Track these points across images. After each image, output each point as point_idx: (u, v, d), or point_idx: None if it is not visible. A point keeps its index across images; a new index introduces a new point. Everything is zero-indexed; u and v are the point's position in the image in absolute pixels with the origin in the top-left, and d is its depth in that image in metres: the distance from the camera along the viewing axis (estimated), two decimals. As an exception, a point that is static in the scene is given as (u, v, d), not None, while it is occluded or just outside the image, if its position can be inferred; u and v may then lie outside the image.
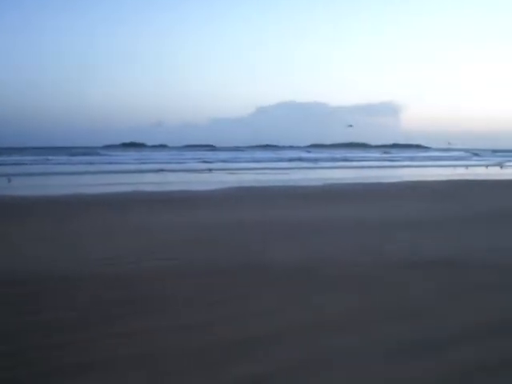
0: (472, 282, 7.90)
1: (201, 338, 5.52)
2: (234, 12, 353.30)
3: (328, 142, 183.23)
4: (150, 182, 29.75)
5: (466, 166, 52.37)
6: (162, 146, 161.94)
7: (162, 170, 42.25)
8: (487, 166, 54.76)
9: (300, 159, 69.98)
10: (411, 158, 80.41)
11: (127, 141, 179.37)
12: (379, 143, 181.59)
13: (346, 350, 5.23)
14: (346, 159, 72.49)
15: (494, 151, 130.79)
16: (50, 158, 63.28)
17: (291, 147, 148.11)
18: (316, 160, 67.52)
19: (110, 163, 55.31)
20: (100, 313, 6.39)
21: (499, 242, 11.10)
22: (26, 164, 51.28)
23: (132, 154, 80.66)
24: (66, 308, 6.55)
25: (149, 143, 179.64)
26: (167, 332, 5.70)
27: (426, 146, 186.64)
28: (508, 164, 61.31)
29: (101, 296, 7.10)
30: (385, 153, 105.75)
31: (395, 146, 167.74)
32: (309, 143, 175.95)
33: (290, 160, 67.37)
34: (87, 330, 5.77)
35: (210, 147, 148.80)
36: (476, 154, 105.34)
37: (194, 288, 7.47)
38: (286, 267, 8.72)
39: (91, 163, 54.12)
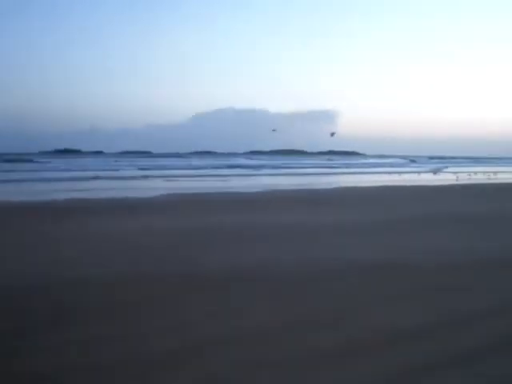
0: (407, 284, 8.10)
1: (147, 346, 5.53)
2: (171, 17, 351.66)
3: (267, 148, 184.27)
4: (86, 189, 29.09)
5: (400, 173, 53.80)
6: (98, 153, 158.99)
7: (97, 178, 41.41)
8: (419, 172, 56.38)
9: (239, 166, 70.03)
10: (350, 165, 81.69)
11: (62, 147, 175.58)
12: (317, 150, 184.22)
13: (284, 356, 5.29)
14: (286, 166, 72.90)
15: (431, 158, 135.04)
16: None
17: (230, 154, 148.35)
18: (255, 167, 67.74)
19: (45, 170, 53.80)
20: (52, 318, 6.42)
21: (427, 245, 11.49)
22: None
23: (67, 161, 78.85)
24: (18, 316, 6.54)
25: (84, 149, 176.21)
26: (115, 340, 5.69)
27: (361, 152, 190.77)
28: (444, 170, 63.26)
29: (53, 303, 7.10)
30: (329, 160, 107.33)
31: (331, 152, 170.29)
32: (248, 150, 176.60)
33: (229, 167, 67.34)
34: (40, 338, 5.76)
35: (147, 154, 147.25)
36: (413, 161, 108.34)
37: (139, 296, 7.42)
38: (227, 275, 8.71)
39: (25, 170, 52.48)
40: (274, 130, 49.85)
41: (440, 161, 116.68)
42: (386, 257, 10.14)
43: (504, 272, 9.15)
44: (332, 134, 48.26)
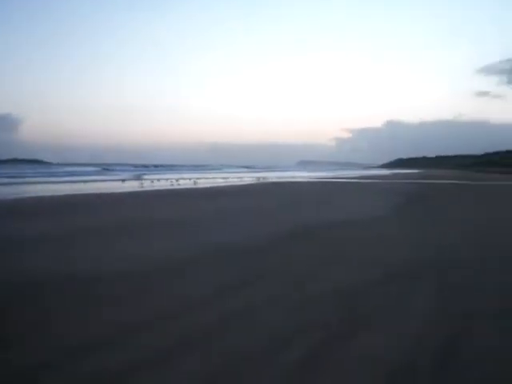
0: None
1: None
2: None
3: None
4: None
5: (85, 182, 52.65)
6: None
7: None
8: (109, 180, 56.16)
9: None
10: (34, 174, 76.45)
11: None
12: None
13: None
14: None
15: (136, 166, 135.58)
16: None
17: None
18: None
19: None
20: None
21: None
22: None
23: None
24: None
25: None
26: None
27: (47, 161, 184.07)
28: (142, 178, 63.57)
29: None
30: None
31: (14, 161, 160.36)
32: None
33: None
34: None
35: None
36: (106, 169, 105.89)
37: None
38: None
39: None
40: None
41: (142, 169, 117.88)
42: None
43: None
44: None
